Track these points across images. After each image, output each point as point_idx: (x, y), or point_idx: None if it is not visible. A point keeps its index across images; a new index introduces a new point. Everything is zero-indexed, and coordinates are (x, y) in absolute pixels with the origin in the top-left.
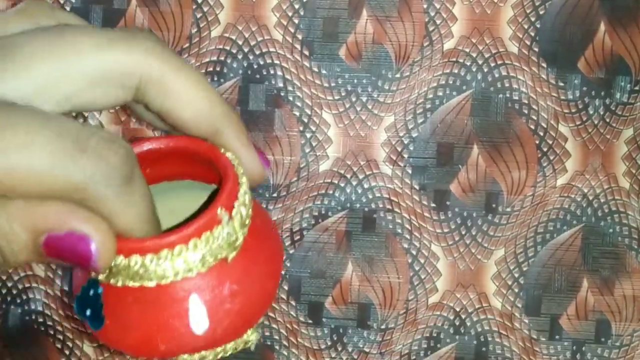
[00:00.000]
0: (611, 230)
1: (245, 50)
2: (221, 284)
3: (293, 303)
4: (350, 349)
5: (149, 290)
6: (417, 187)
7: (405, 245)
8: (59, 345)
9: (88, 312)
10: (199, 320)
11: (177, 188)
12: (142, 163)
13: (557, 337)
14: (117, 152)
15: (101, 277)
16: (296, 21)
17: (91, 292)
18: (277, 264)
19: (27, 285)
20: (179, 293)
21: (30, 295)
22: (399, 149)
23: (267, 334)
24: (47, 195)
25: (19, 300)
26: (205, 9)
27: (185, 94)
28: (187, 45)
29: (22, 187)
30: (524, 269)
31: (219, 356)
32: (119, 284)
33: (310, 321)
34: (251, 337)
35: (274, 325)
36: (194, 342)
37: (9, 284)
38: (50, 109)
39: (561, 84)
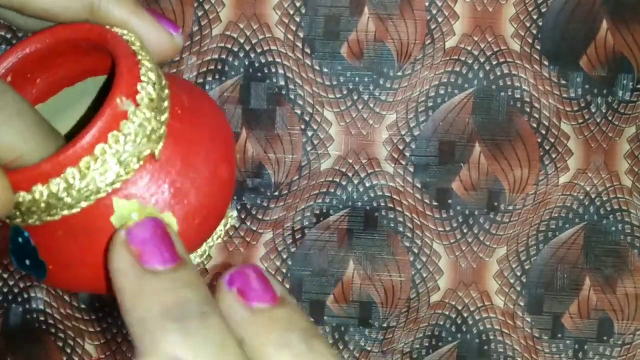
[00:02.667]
0: (613, 229)
1: (247, 48)
2: (158, 186)
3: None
4: (351, 348)
5: (75, 219)
6: (418, 185)
7: (407, 244)
8: (60, 344)
9: (28, 262)
10: None
11: (84, 93)
12: (23, 74)
13: (559, 335)
14: None
15: (17, 221)
16: (297, 19)
17: (19, 240)
18: (225, 144)
19: (28, 283)
20: (110, 211)
21: (32, 294)
22: (401, 147)
23: None
24: None
25: (20, 299)
26: (206, 7)
27: None
28: (188, 43)
29: None
30: (526, 267)
31: (205, 255)
32: (38, 222)
33: (311, 319)
34: (228, 222)
35: None
36: None
37: (10, 283)
38: None
39: (563, 82)
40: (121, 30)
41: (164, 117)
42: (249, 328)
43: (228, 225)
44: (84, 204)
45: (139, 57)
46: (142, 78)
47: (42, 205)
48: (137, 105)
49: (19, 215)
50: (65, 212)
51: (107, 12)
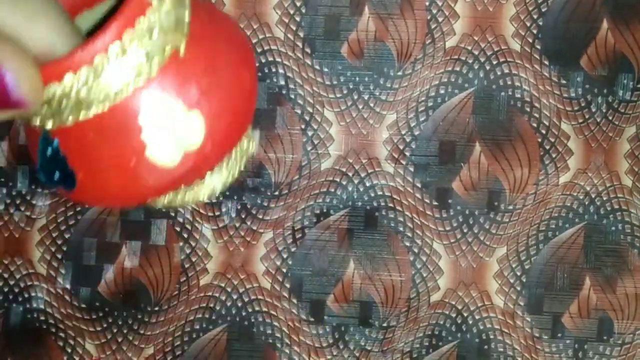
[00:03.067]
0: (613, 228)
1: None
2: (184, 84)
3: (295, 301)
4: (351, 347)
5: (105, 118)
6: (419, 185)
7: (407, 244)
8: (60, 343)
9: (57, 175)
10: None
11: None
12: None
13: (559, 335)
14: None
15: (49, 125)
16: (298, 19)
17: (49, 152)
18: (243, 49)
19: (28, 283)
20: (138, 110)
21: (32, 294)
22: (401, 147)
23: (269, 331)
24: None
25: (20, 299)
26: None
27: None
28: None
29: None
30: (526, 267)
31: (229, 180)
32: (69, 120)
33: (312, 319)
34: (250, 145)
35: (276, 323)
36: (185, 160)
37: (11, 282)
38: None
39: (563, 82)
40: None
41: (186, 13)
42: None
43: (251, 147)
44: (114, 99)
45: None
46: None
47: (73, 96)
48: None
49: (49, 116)
50: (97, 108)
51: None
